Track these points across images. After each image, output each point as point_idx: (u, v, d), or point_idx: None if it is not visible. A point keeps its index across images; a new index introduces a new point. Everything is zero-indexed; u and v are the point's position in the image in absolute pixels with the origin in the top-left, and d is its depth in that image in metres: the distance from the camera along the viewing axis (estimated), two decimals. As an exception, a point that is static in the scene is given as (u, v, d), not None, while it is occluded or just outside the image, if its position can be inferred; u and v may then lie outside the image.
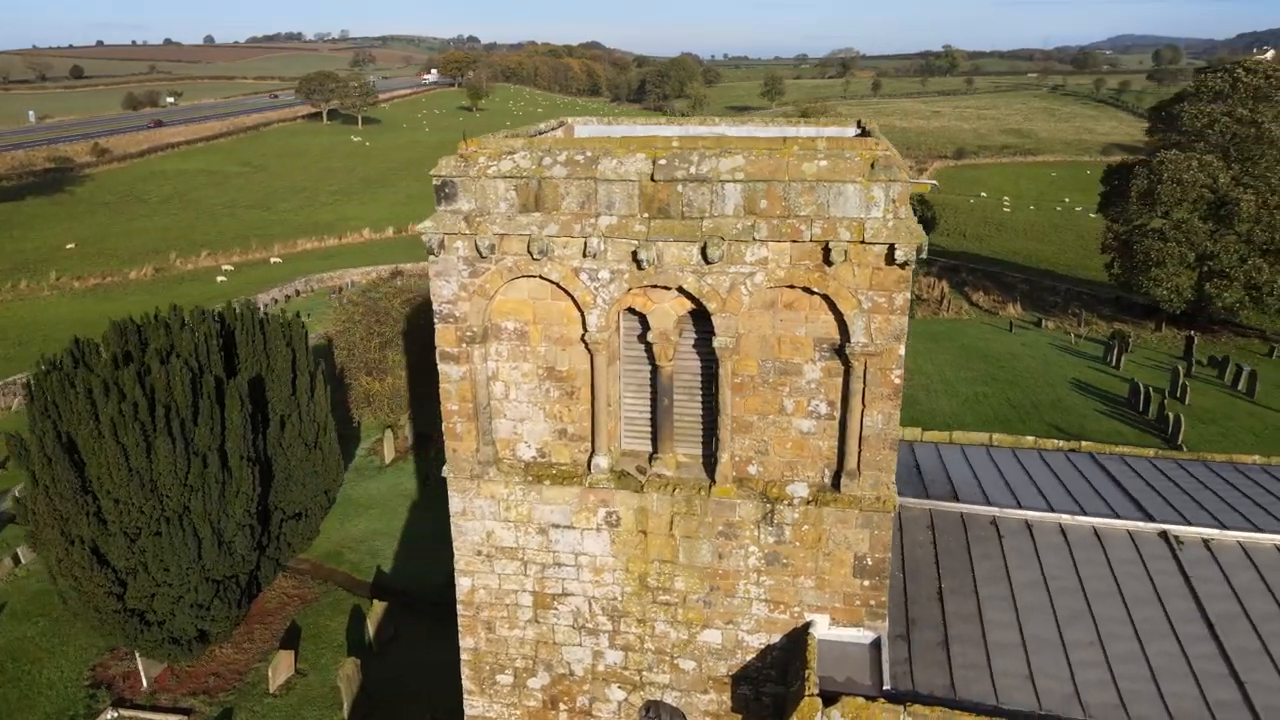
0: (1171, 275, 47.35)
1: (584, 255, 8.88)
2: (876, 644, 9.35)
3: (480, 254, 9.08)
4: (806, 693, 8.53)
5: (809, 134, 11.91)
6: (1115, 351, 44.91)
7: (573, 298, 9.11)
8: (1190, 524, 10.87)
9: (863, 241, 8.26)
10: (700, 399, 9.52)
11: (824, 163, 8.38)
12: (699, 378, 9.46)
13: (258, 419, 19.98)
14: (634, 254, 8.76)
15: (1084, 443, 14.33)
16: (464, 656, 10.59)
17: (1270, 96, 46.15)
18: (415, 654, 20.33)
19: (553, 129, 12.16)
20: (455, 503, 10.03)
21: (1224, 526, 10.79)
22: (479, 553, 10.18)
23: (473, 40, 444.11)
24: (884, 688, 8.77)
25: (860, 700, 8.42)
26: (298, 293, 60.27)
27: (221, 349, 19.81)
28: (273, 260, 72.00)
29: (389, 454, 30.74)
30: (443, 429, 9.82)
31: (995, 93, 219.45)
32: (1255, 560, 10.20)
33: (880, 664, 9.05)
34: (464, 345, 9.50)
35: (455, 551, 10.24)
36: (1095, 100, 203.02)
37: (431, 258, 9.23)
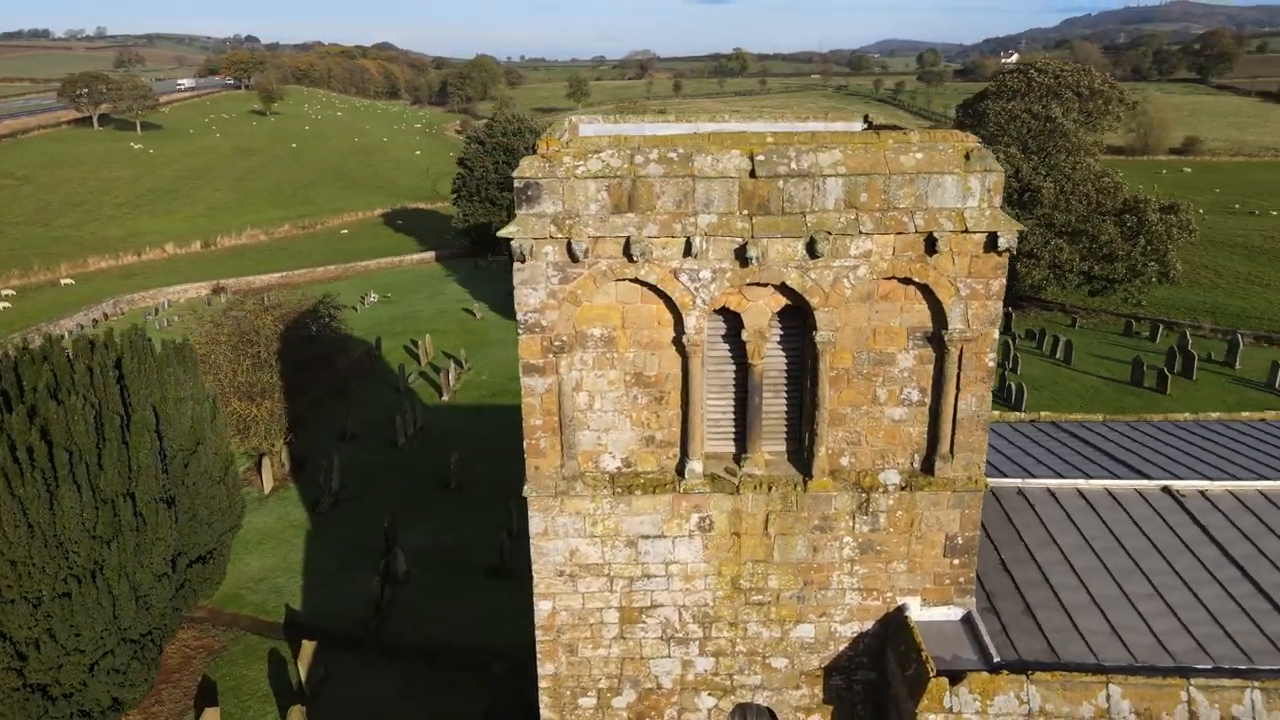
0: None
1: (685, 255, 8.64)
2: (968, 619, 9.71)
3: (572, 258, 8.64)
4: (930, 674, 8.73)
5: (820, 128, 12.13)
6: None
7: (669, 300, 8.84)
8: (1180, 479, 12.02)
9: (965, 231, 8.53)
10: (785, 395, 9.51)
11: (920, 155, 8.59)
12: (784, 374, 9.44)
13: (161, 456, 17.99)
14: (737, 252, 8.62)
15: (1042, 413, 15.48)
16: (543, 684, 10.04)
17: (1060, 94, 51.53)
18: (353, 692, 19.09)
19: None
20: (536, 523, 9.48)
21: (1208, 478, 12.00)
22: (561, 573, 9.67)
23: (252, 40, 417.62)
24: (993, 660, 9.11)
25: (985, 675, 8.71)
26: (106, 316, 54.79)
27: (118, 380, 17.66)
28: (63, 282, 65.07)
29: (268, 483, 28.59)
30: (524, 446, 9.27)
31: (787, 93, 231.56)
32: (1249, 505, 11.42)
33: (979, 637, 9.39)
34: (550, 356, 9.00)
35: (535, 575, 9.68)
36: (876, 100, 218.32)
37: (518, 265, 8.68)
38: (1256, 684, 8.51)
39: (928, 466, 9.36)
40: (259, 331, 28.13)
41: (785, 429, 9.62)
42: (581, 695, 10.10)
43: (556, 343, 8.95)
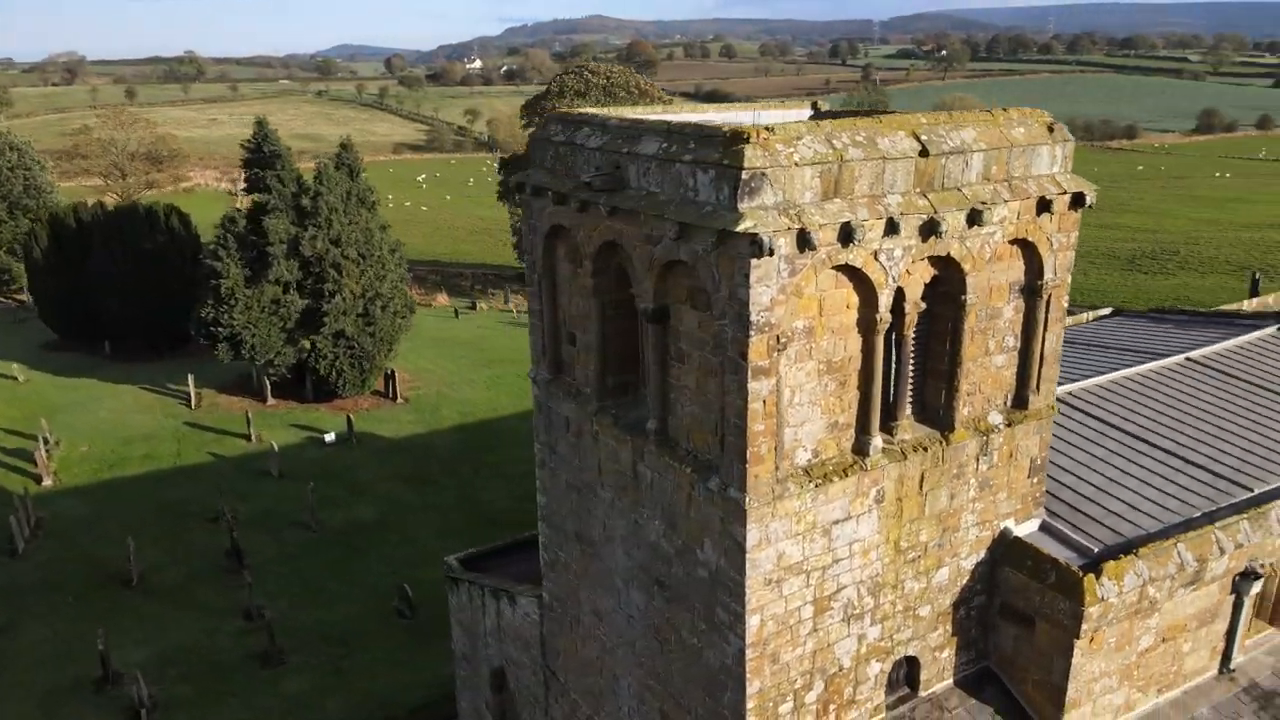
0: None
1: (884, 235, 8.84)
2: (1044, 526, 11.36)
3: (800, 249, 8.32)
4: (1080, 575, 10.19)
5: (778, 117, 12.72)
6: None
7: (867, 280, 8.96)
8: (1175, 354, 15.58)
9: (1063, 193, 10.00)
10: (913, 361, 10.16)
11: (1022, 129, 9.85)
12: (916, 341, 10.08)
13: None
14: (921, 228, 9.06)
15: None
16: (750, 704, 9.46)
17: (614, 94, 56.87)
18: None
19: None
20: (752, 535, 8.92)
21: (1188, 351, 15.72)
22: (769, 581, 9.23)
23: None
24: (1092, 552, 10.89)
25: (1112, 563, 10.43)
26: None
27: None
28: None
29: None
30: (747, 455, 8.66)
31: (264, 99, 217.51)
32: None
33: (1068, 538, 11.11)
34: (773, 355, 8.54)
35: (747, 590, 9.09)
36: (362, 104, 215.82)
37: (755, 262, 8.10)
38: (1245, 516, 11.45)
39: (1019, 402, 10.74)
40: None
41: (912, 390, 10.27)
42: (781, 703, 9.75)
43: (781, 340, 8.54)
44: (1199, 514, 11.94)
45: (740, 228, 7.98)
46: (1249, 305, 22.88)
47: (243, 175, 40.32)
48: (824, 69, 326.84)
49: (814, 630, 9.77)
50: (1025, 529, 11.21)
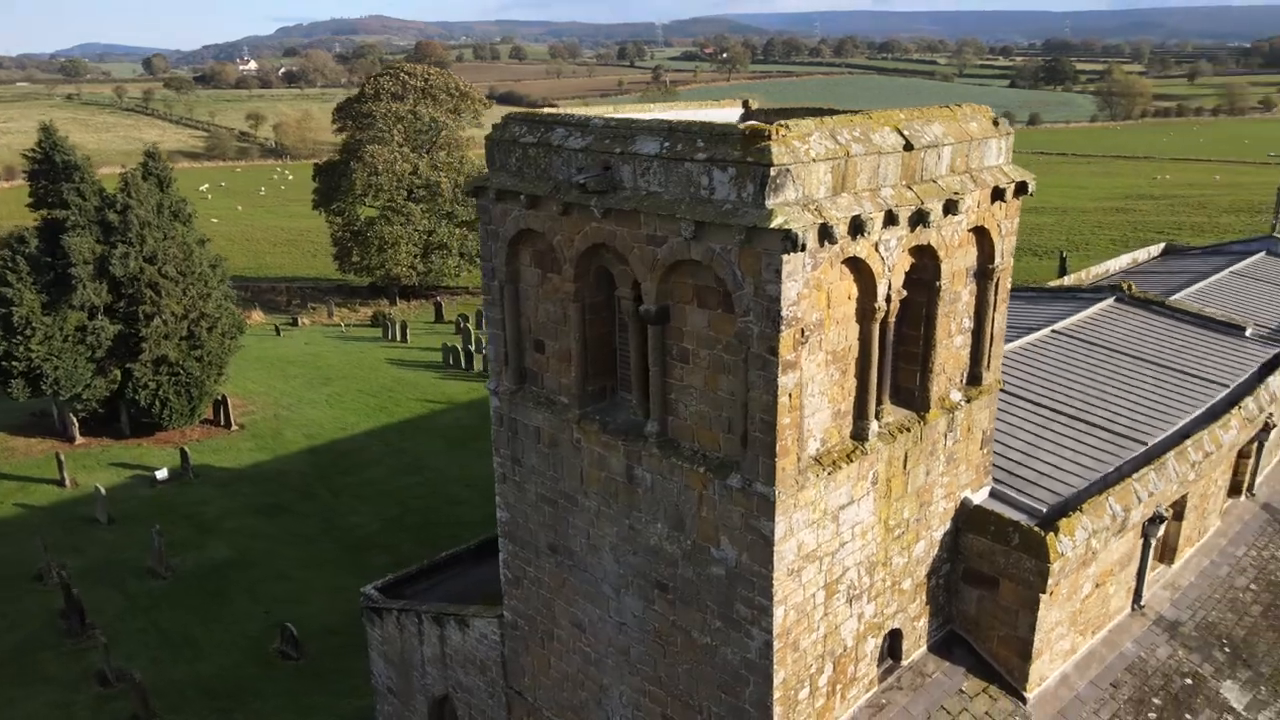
0: (406, 253, 53.69)
1: (883, 227, 9.19)
2: (993, 493, 12.21)
3: (820, 244, 8.51)
4: (1042, 535, 11.06)
5: (725, 114, 12.90)
6: (398, 329, 49.55)
7: (868, 271, 9.28)
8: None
9: (1011, 182, 10.78)
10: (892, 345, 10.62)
11: (975, 124, 10.53)
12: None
13: None
14: (911, 219, 9.49)
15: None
16: (776, 694, 9.56)
17: (434, 96, 55.21)
18: None
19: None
20: (779, 527, 9.03)
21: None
22: (791, 572, 9.37)
23: None
24: (1041, 511, 11.82)
25: (1065, 519, 11.38)
26: None
27: None
28: None
29: None
30: (775, 450, 8.73)
31: (3, 104, 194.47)
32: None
33: (1017, 501, 12.00)
34: (798, 349, 8.67)
35: (774, 584, 9.18)
36: (124, 109, 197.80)
37: (786, 258, 8.19)
38: (1152, 468, 12.82)
39: (974, 379, 11.47)
40: None
41: (891, 373, 10.74)
42: (800, 689, 9.92)
43: (805, 334, 8.69)
44: (1111, 469, 13.23)
45: (774, 224, 8.05)
46: (1074, 280, 25.55)
47: (29, 188, 35.89)
48: (615, 70, 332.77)
49: (825, 615, 10.03)
50: (979, 497, 12.00)
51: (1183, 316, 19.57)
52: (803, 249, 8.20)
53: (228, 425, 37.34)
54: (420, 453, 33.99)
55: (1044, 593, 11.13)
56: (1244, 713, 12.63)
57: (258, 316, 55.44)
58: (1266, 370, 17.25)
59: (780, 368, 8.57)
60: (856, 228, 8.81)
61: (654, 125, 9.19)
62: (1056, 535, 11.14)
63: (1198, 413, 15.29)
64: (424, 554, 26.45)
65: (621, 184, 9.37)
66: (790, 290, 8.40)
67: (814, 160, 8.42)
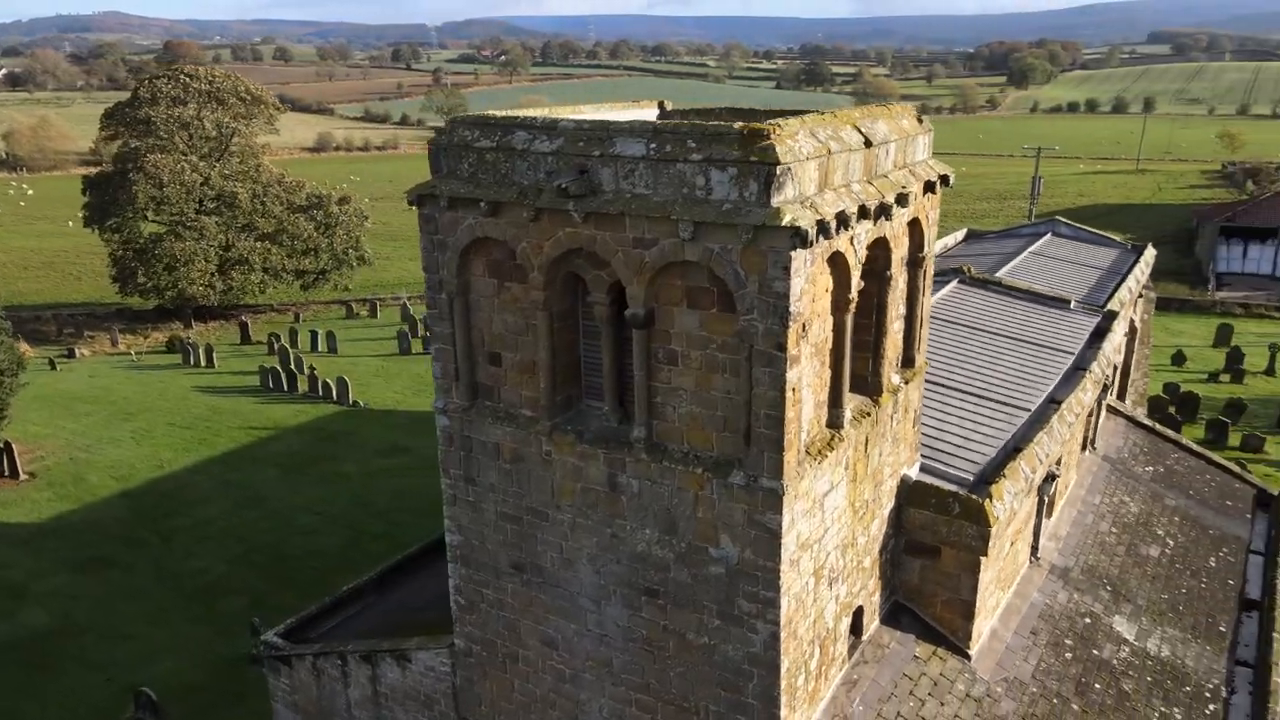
0: (201, 271, 49.46)
1: (858, 221, 9.54)
2: (924, 468, 12.99)
3: (819, 239, 8.72)
4: (980, 502, 11.92)
5: (634, 115, 12.85)
6: (201, 354, 45.91)
7: (844, 264, 9.59)
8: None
9: (939, 176, 11.50)
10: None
11: (907, 122, 11.16)
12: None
13: None
14: (876, 212, 9.91)
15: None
16: (783, 683, 9.70)
17: (223, 100, 51.03)
18: None
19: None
20: (785, 519, 9.16)
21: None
22: (792, 562, 9.54)
23: None
24: (969, 480, 12.71)
25: (995, 484, 12.31)
26: None
27: None
28: None
29: None
30: (783, 444, 8.85)
31: None
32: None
33: (948, 473, 12.84)
34: (799, 344, 8.84)
35: (781, 578, 9.31)
36: None
37: (793, 254, 8.32)
38: (1044, 431, 14.11)
39: (907, 362, 12.15)
40: None
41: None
42: (798, 675, 10.11)
43: (805, 329, 8.87)
44: (1008, 436, 14.43)
45: (784, 221, 8.17)
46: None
47: None
48: (391, 73, 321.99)
49: (815, 599, 10.30)
50: (914, 473, 12.73)
51: (1017, 294, 21.62)
52: (810, 245, 8.37)
53: (14, 475, 32.90)
54: (255, 484, 31.52)
55: (985, 555, 11.98)
56: (1134, 641, 14.19)
57: (24, 350, 49.13)
58: (1097, 336, 19.41)
59: (787, 363, 8.71)
60: (842, 222, 9.10)
61: (636, 126, 9.05)
62: (991, 501, 12.03)
63: (1058, 379, 16.97)
64: (283, 592, 24.68)
65: (601, 187, 9.16)
66: (794, 286, 8.55)
67: (806, 159, 8.61)
